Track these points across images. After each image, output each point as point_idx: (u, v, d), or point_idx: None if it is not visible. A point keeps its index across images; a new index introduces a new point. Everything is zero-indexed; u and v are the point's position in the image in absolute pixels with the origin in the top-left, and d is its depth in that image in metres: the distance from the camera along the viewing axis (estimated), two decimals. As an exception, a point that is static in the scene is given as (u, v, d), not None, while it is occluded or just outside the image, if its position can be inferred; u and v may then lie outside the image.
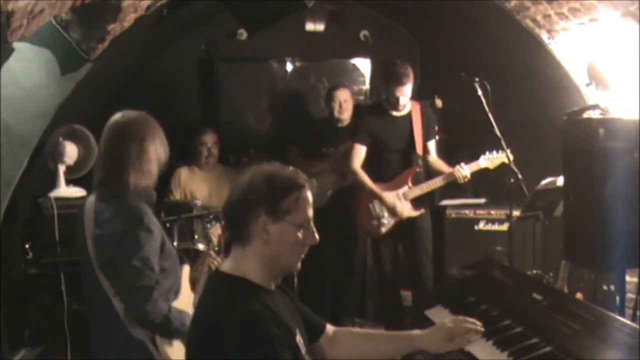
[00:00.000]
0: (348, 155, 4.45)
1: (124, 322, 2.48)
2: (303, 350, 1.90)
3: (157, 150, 2.55)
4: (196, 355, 1.84)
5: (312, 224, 1.91)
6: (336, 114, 4.96)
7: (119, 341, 2.51)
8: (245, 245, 1.87)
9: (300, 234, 1.88)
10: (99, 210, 2.49)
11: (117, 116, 2.59)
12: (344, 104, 4.94)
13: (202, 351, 1.81)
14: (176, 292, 2.61)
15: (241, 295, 1.82)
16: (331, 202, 4.89)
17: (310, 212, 1.91)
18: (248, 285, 1.86)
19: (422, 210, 4.40)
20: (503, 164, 4.18)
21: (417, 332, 2.14)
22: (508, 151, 3.99)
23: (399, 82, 4.19)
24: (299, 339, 1.89)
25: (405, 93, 4.25)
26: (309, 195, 1.91)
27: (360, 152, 4.38)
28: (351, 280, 5.08)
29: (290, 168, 1.95)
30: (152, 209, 2.57)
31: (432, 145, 4.52)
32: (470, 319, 2.10)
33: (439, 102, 5.00)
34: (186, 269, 2.77)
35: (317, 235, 1.93)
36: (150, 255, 2.42)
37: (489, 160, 4.27)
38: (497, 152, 4.20)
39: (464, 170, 4.24)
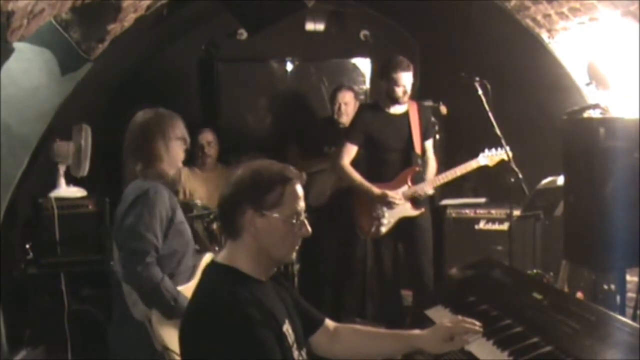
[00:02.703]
0: (337, 151, 4.45)
1: (127, 299, 2.64)
2: (290, 340, 1.93)
3: (174, 140, 2.78)
4: (184, 337, 1.89)
5: (303, 216, 1.94)
6: (335, 115, 4.99)
7: (122, 320, 2.63)
8: (236, 238, 1.92)
9: (289, 227, 1.90)
10: (124, 194, 2.76)
11: (137, 116, 2.82)
12: (343, 107, 4.96)
13: (188, 334, 1.87)
14: (189, 276, 2.73)
15: (228, 282, 1.88)
16: (331, 201, 4.89)
17: (301, 205, 1.93)
18: (237, 274, 1.91)
19: (422, 209, 4.40)
20: (502, 161, 4.19)
21: (416, 331, 2.15)
22: (507, 148, 4.00)
23: (404, 68, 4.18)
24: (286, 328, 1.93)
25: (409, 80, 4.23)
26: (298, 188, 1.93)
27: (350, 151, 4.37)
28: (351, 279, 5.08)
29: (280, 163, 1.98)
30: (175, 197, 2.81)
31: (429, 145, 4.52)
32: (469, 319, 2.11)
33: (443, 109, 5.02)
34: (210, 257, 2.82)
35: (309, 227, 1.95)
36: (151, 222, 2.60)
37: (489, 157, 4.28)
38: (497, 149, 4.21)
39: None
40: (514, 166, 3.92)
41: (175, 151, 2.78)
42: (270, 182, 1.89)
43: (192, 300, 1.97)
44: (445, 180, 4.36)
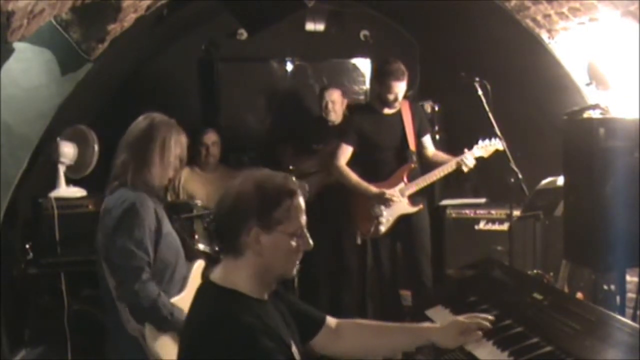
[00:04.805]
0: (333, 153, 4.46)
1: (121, 316, 2.56)
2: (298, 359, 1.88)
3: (173, 152, 2.69)
4: None
5: (305, 230, 1.88)
6: (323, 114, 5.01)
7: (116, 336, 2.59)
8: (237, 256, 1.83)
9: (293, 242, 1.84)
10: (105, 203, 2.65)
11: (140, 119, 2.72)
12: (331, 105, 4.98)
13: None
14: (181, 287, 2.66)
15: (233, 308, 1.79)
16: (318, 199, 4.89)
17: (303, 219, 1.87)
18: (239, 298, 1.82)
19: (421, 206, 4.39)
20: (497, 151, 4.19)
21: (428, 324, 2.15)
22: (500, 139, 4.00)
23: (398, 78, 4.21)
24: (294, 349, 1.87)
25: (402, 89, 4.27)
26: (301, 201, 1.87)
27: (346, 152, 4.38)
28: (346, 276, 5.05)
29: (280, 173, 1.91)
30: (162, 206, 2.71)
31: (427, 140, 4.53)
32: (481, 315, 2.14)
33: (427, 107, 5.06)
34: (200, 265, 2.79)
35: (311, 241, 1.89)
36: (143, 238, 2.53)
37: (483, 148, 4.28)
38: (490, 140, 4.21)
39: (469, 160, 4.24)
40: (513, 166, 3.92)
41: (167, 167, 2.67)
42: (277, 197, 1.81)
43: (192, 325, 1.86)
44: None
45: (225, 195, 1.85)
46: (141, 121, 2.71)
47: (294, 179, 1.91)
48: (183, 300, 2.55)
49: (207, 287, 1.90)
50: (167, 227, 2.68)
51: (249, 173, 1.88)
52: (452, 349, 2.24)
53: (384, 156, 4.41)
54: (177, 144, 2.70)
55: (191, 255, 2.90)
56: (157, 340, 2.53)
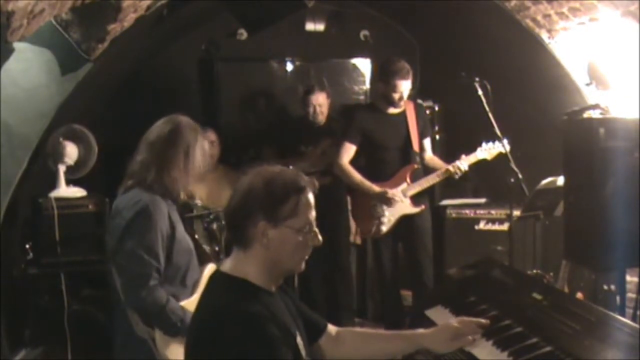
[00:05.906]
0: (336, 151, 4.44)
1: (130, 318, 2.52)
2: (303, 352, 1.89)
3: (197, 160, 2.61)
4: (195, 354, 1.84)
5: (314, 226, 1.90)
6: (310, 118, 4.96)
7: (123, 338, 2.55)
8: (246, 249, 1.87)
9: (301, 237, 1.87)
10: (116, 203, 2.59)
11: (164, 120, 2.64)
12: (318, 109, 4.93)
13: (201, 351, 1.81)
14: (192, 291, 2.63)
15: (241, 296, 1.82)
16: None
17: (312, 215, 1.89)
18: (248, 287, 1.85)
19: (422, 207, 4.39)
20: (500, 154, 4.19)
21: (421, 331, 2.15)
22: (505, 142, 4.00)
23: (403, 77, 4.21)
24: (299, 340, 1.89)
25: (407, 88, 4.27)
26: (310, 197, 1.89)
27: (349, 150, 4.37)
28: (340, 274, 5.04)
29: (292, 170, 1.94)
30: (175, 209, 2.64)
31: (427, 143, 4.54)
32: (475, 319, 2.12)
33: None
34: (211, 268, 2.76)
35: (320, 237, 1.92)
36: (153, 244, 2.46)
37: (486, 151, 4.28)
38: (494, 142, 4.22)
39: (462, 166, 4.25)
40: (514, 166, 3.92)
41: (189, 173, 2.60)
42: (284, 193, 1.84)
43: (199, 314, 1.90)
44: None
45: (237, 189, 1.89)
46: (166, 122, 2.61)
47: (303, 175, 1.92)
48: (193, 304, 2.53)
49: (216, 277, 1.94)
50: (181, 231, 2.63)
51: (261, 168, 1.91)
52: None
53: (387, 156, 4.40)
54: (201, 151, 2.63)
55: (204, 259, 2.87)
56: (168, 346, 2.48)
